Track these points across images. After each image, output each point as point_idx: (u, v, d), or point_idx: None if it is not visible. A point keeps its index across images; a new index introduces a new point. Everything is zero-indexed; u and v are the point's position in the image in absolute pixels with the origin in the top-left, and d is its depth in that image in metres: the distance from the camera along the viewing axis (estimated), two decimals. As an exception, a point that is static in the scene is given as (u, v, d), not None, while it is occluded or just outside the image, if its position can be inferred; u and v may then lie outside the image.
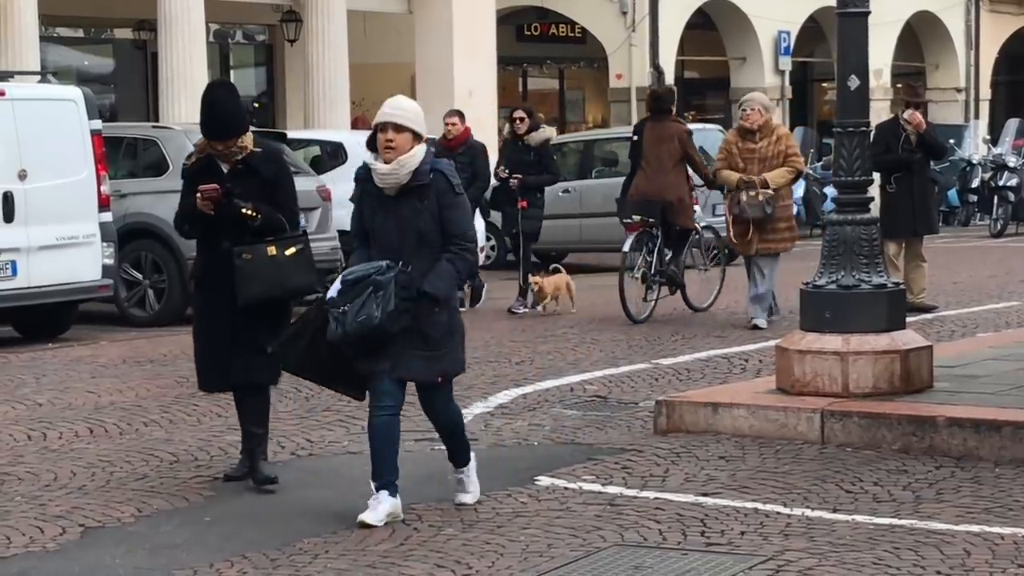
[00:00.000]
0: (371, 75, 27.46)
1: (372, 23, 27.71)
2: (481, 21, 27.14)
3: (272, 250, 8.36)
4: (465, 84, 26.64)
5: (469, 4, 26.88)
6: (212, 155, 8.50)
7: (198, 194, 8.34)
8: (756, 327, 14.43)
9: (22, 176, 14.61)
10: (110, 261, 15.35)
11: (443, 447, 8.16)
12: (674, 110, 15.90)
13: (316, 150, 19.87)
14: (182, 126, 18.19)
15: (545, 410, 10.68)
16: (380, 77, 28.28)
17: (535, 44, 33.60)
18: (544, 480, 8.53)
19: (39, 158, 14.60)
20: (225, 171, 8.48)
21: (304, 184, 17.20)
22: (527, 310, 16.59)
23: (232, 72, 28.48)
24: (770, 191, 14.38)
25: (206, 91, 8.65)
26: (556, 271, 16.99)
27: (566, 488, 8.34)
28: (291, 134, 19.51)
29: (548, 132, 17.25)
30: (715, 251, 16.71)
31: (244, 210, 8.32)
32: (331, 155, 19.27)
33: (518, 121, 16.77)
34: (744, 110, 14.66)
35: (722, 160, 14.80)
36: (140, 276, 16.48)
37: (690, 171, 15.39)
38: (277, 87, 28.06)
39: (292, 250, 8.40)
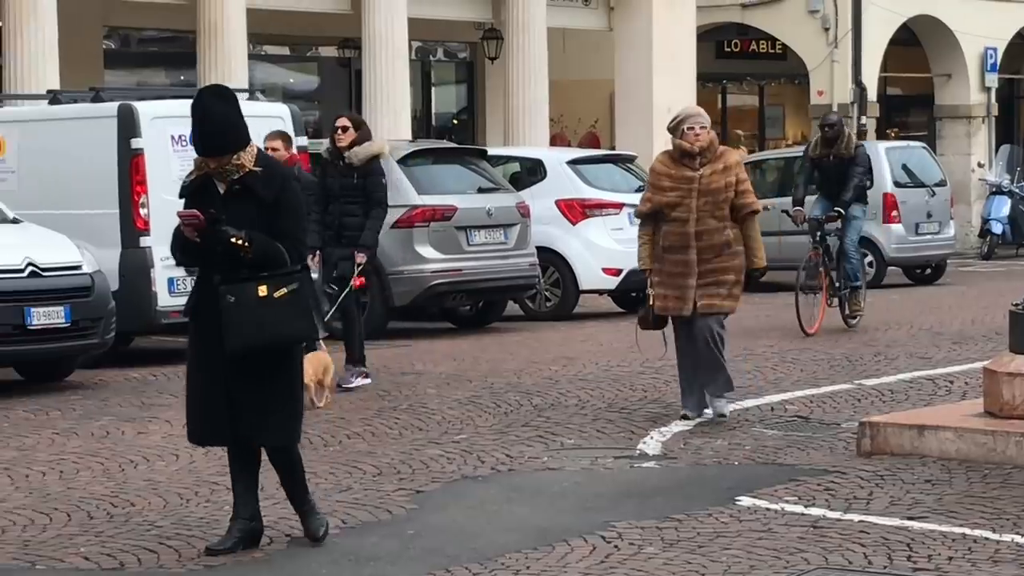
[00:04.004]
0: (570, 91, 27.53)
1: (572, 40, 27.79)
2: (681, 38, 27.08)
3: (263, 290, 7.27)
4: (664, 101, 26.54)
5: (670, 21, 26.84)
6: (208, 174, 7.43)
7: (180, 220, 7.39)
8: (722, 416, 10.97)
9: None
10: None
11: (645, 465, 8.00)
12: None
13: (515, 166, 19.93)
14: (386, 143, 18.34)
15: (745, 429, 10.59)
16: (579, 94, 28.35)
17: (735, 60, 33.39)
18: (745, 500, 8.46)
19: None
20: (221, 192, 7.43)
21: (503, 200, 17.44)
22: (365, 381, 12.66)
23: (433, 89, 28.78)
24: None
25: (195, 99, 7.45)
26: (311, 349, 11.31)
27: (768, 509, 8.26)
28: (490, 151, 19.65)
29: (376, 147, 12.99)
30: None
31: (233, 239, 7.26)
32: (530, 172, 19.34)
33: (340, 131, 12.78)
34: (689, 127, 10.79)
35: (648, 196, 10.97)
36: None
37: None
38: (477, 104, 28.27)
39: (283, 291, 7.29)
